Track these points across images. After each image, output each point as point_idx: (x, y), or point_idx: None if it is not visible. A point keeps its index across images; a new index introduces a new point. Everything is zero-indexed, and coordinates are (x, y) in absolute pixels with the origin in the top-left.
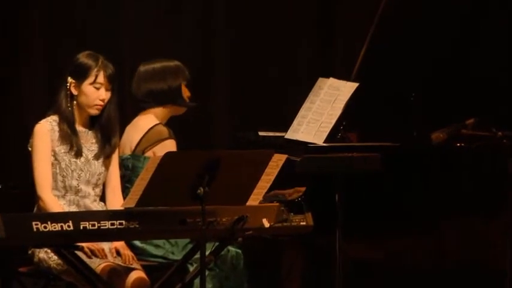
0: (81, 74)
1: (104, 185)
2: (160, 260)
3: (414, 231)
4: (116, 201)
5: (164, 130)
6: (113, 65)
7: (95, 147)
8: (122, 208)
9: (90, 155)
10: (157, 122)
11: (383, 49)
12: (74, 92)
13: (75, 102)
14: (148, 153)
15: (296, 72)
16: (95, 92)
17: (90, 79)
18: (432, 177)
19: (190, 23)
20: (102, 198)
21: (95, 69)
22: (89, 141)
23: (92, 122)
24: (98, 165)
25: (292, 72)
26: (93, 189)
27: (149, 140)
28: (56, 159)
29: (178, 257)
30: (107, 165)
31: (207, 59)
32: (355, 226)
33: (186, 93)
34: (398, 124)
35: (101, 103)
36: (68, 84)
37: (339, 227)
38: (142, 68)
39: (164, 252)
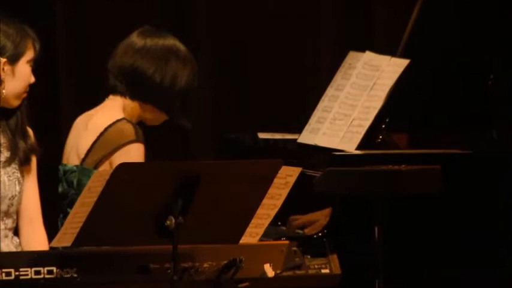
0: (17, 48)
1: (17, 214)
2: None
3: (489, 278)
4: (35, 237)
5: (129, 129)
6: None
7: (4, 157)
8: (52, 248)
9: None
10: (121, 116)
11: (446, 8)
12: (3, 75)
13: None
14: (104, 166)
15: (306, 43)
16: (30, 73)
17: (29, 54)
18: None
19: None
20: (16, 232)
21: (31, 39)
22: None
23: None
24: (10, 184)
25: (298, 43)
26: (3, 220)
27: (106, 144)
28: None
29: None
30: (22, 184)
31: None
32: (402, 274)
33: None
34: (468, 121)
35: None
36: None
37: (379, 275)
38: (139, 41)
39: None
